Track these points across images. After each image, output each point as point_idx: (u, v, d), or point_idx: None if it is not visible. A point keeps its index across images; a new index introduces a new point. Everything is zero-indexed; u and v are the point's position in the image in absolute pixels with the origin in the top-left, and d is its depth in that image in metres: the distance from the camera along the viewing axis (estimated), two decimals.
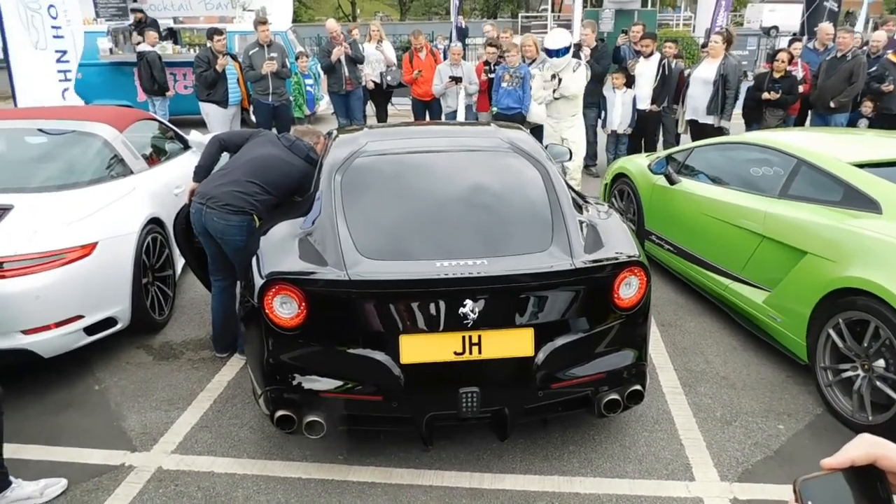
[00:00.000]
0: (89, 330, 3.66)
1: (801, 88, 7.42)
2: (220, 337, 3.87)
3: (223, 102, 7.75)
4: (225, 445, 3.10)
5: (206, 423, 3.28)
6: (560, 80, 6.49)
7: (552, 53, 6.47)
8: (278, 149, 3.67)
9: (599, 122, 8.30)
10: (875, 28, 12.47)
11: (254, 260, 2.84)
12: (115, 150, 4.46)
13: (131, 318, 3.95)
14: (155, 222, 4.29)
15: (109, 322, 3.79)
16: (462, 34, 10.81)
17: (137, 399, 3.52)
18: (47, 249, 3.40)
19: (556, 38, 6.52)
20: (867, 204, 3.42)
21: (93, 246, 3.62)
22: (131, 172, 4.45)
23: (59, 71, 7.21)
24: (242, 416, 3.34)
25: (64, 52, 7.16)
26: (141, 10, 11.55)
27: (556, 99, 6.54)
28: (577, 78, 6.57)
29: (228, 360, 3.88)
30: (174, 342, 4.15)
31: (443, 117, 8.12)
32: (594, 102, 7.99)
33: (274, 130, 7.21)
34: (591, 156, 8.37)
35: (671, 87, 7.69)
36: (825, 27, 8.47)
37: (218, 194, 3.47)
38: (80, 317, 3.57)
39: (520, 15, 32.96)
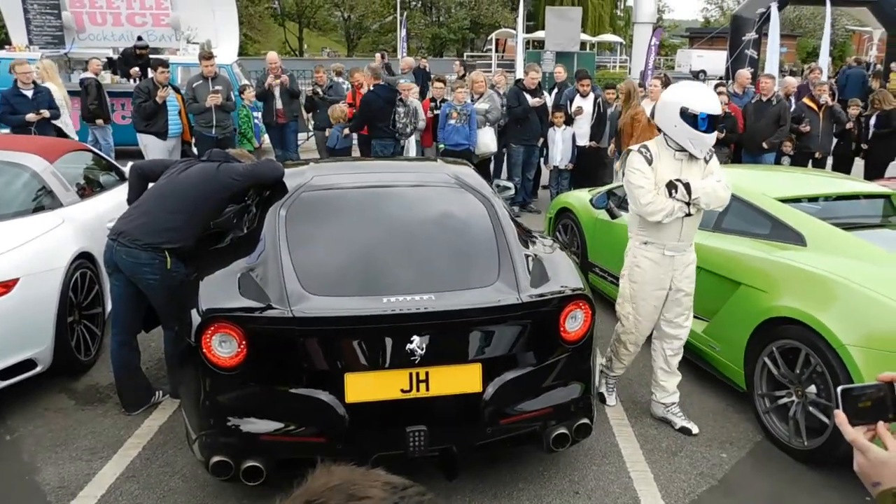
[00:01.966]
0: (3, 374, 3.40)
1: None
2: (124, 394, 3.57)
3: (162, 134, 7.56)
4: (153, 497, 2.90)
5: (133, 473, 3.06)
6: (689, 184, 3.15)
7: (711, 122, 3.13)
8: (199, 170, 3.39)
9: (542, 159, 8.51)
10: (790, 74, 13.57)
11: (197, 296, 2.70)
12: (44, 182, 4.23)
13: (53, 359, 3.69)
14: (85, 257, 4.07)
15: (27, 365, 3.53)
16: (423, 76, 10.76)
17: (55, 449, 3.26)
18: None
19: (703, 95, 3.18)
20: (793, 237, 3.60)
21: (13, 282, 3.40)
22: (61, 205, 4.22)
23: None
24: (174, 463, 3.13)
25: None
26: (146, 47, 11.08)
27: (689, 215, 3.19)
28: (719, 171, 3.31)
29: (160, 403, 3.67)
30: (101, 385, 3.89)
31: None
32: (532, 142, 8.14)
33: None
34: (528, 192, 8.54)
35: (606, 123, 8.01)
36: (743, 73, 9.14)
37: (128, 229, 3.29)
38: None
39: (465, 54, 33.76)
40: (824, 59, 13.77)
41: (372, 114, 7.34)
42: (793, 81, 9.03)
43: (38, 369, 3.61)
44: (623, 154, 3.46)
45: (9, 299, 3.35)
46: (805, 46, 42.30)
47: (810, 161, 8.19)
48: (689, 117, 3.13)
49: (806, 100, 8.31)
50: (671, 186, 3.18)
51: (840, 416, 1.05)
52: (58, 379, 3.86)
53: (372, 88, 7.60)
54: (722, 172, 3.32)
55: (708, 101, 3.17)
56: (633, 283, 3.41)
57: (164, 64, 7.66)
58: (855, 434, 1.04)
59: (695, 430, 3.44)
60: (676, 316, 3.43)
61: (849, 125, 8.05)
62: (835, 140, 8.15)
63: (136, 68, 10.25)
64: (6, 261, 3.45)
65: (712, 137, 3.24)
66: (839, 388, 1.08)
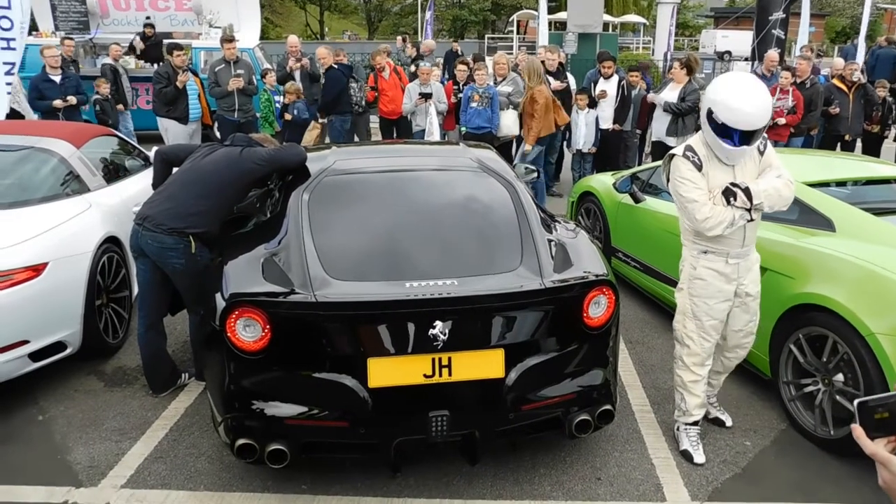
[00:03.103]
0: (35, 356, 3.47)
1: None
2: (152, 377, 3.63)
3: (183, 119, 7.62)
4: (180, 477, 2.95)
5: (161, 454, 3.12)
6: (748, 188, 2.81)
7: (746, 137, 2.76)
8: (223, 155, 3.41)
9: (564, 142, 8.42)
10: (818, 55, 13.22)
11: (221, 281, 2.72)
12: (71, 167, 4.29)
13: (82, 342, 3.76)
14: (112, 241, 4.13)
15: (58, 347, 3.60)
16: (454, 59, 10.70)
17: (85, 429, 3.33)
18: None
19: (740, 104, 2.72)
20: (821, 222, 3.51)
21: (43, 266, 3.46)
22: (88, 190, 4.29)
23: (8, 83, 6.96)
24: (200, 445, 3.19)
25: (12, 65, 6.90)
26: (152, 26, 11.31)
27: (751, 220, 2.86)
28: (777, 162, 2.95)
29: (186, 385, 3.73)
30: (128, 367, 3.97)
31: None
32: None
33: None
34: (551, 176, 8.45)
35: (630, 107, 7.88)
36: (771, 54, 8.84)
37: (153, 214, 3.33)
38: (26, 342, 3.39)
39: (486, 36, 33.42)
40: (861, 44, 13.35)
41: (338, 90, 7.97)
42: (840, 62, 8.74)
43: (67, 351, 3.69)
44: (665, 159, 3.00)
45: (38, 283, 3.42)
46: (834, 26, 41.19)
47: (839, 144, 8.01)
48: (715, 124, 2.75)
49: (836, 80, 8.10)
50: (729, 193, 2.78)
51: (857, 430, 1.02)
52: (87, 361, 3.94)
53: (334, 66, 8.00)
54: (781, 165, 2.87)
55: (744, 113, 2.67)
56: (693, 297, 2.99)
57: (179, 47, 7.64)
58: (874, 447, 1.01)
59: (728, 422, 3.34)
60: (745, 324, 3.07)
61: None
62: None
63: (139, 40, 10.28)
64: (35, 245, 3.51)
65: (745, 151, 2.78)
66: (855, 402, 1.04)
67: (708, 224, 2.81)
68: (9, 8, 6.69)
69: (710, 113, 2.78)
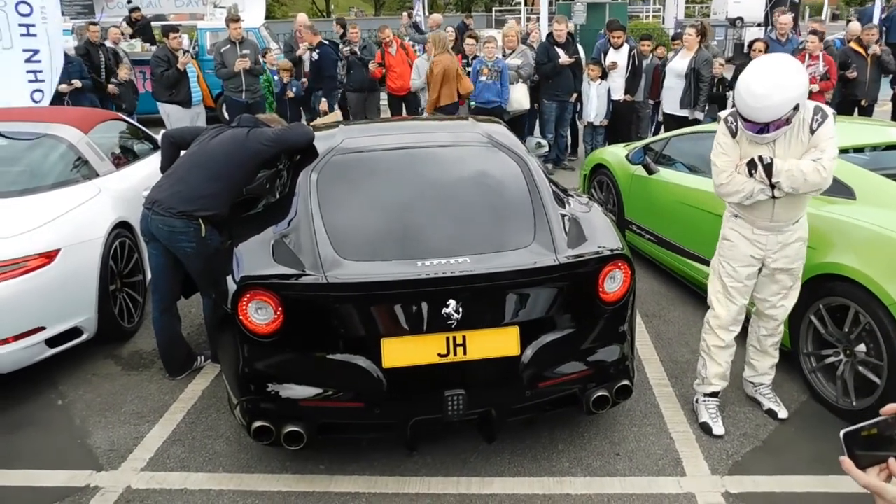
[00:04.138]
0: (52, 342, 3.49)
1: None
2: (168, 360, 3.65)
3: (186, 102, 7.54)
4: (199, 460, 2.97)
5: (179, 437, 3.14)
6: (771, 163, 2.73)
7: (761, 128, 2.70)
8: (230, 136, 3.37)
9: (576, 114, 8.30)
10: (832, 19, 12.88)
11: (232, 264, 2.71)
12: (80, 153, 4.28)
13: (98, 327, 3.78)
14: (123, 226, 4.12)
15: (74, 333, 3.62)
16: (462, 29, 10.55)
17: (104, 413, 3.36)
18: (4, 258, 3.23)
19: (755, 96, 2.63)
20: (842, 190, 3.42)
21: (55, 253, 3.46)
22: (97, 175, 4.27)
23: (29, 71, 6.89)
24: (218, 427, 3.20)
25: (35, 52, 6.83)
26: (138, 9, 11.29)
27: (775, 197, 2.79)
28: (826, 145, 2.75)
29: (202, 368, 3.74)
30: (144, 351, 3.99)
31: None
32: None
33: None
34: (563, 149, 8.34)
35: (641, 77, 7.72)
36: (784, 19, 8.56)
37: (162, 198, 3.30)
38: (42, 328, 3.40)
39: (493, 9, 32.91)
40: (877, 7, 12.98)
41: (327, 68, 8.22)
42: (857, 27, 8.45)
43: (84, 337, 3.71)
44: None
45: (51, 269, 3.42)
46: None
47: (856, 109, 7.82)
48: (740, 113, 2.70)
49: (853, 44, 7.88)
50: (751, 165, 2.74)
51: (846, 463, 0.98)
52: (103, 346, 3.96)
53: (324, 42, 8.23)
54: (832, 148, 2.71)
55: (750, 108, 2.62)
56: (721, 257, 3.03)
57: (175, 29, 7.58)
58: (867, 478, 0.97)
59: (782, 414, 3.15)
60: (772, 294, 3.02)
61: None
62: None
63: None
64: (47, 232, 3.51)
65: (769, 136, 2.70)
66: (841, 433, 1.00)
67: (723, 190, 2.86)
68: None
69: (735, 102, 2.75)
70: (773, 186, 2.73)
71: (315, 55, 8.09)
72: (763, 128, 2.68)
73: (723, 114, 2.96)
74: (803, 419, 3.17)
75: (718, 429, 3.07)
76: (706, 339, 3.14)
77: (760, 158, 2.74)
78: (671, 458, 2.92)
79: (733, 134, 2.82)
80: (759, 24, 14.14)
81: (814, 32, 7.37)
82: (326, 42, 8.28)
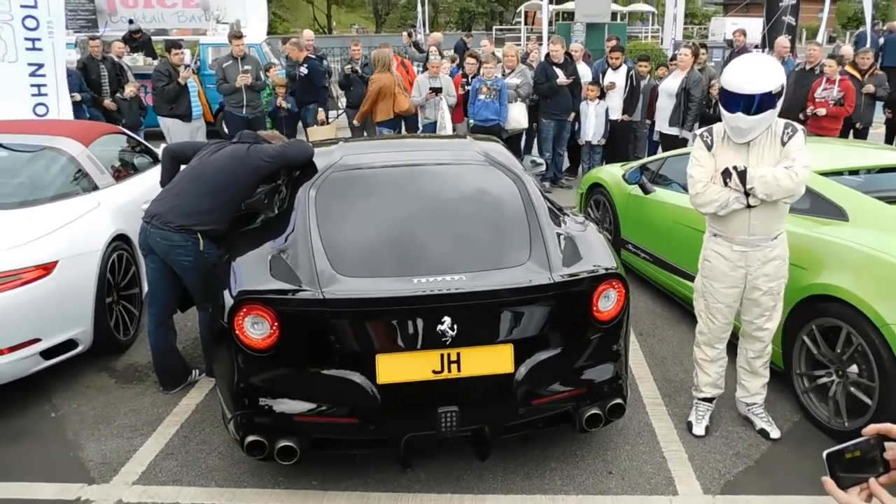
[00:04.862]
0: (46, 354, 3.49)
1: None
2: (162, 374, 3.65)
3: (186, 116, 7.60)
4: (192, 474, 2.96)
5: (172, 451, 3.13)
6: (745, 171, 2.82)
7: (746, 103, 2.75)
8: (230, 152, 3.41)
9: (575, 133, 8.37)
10: (829, 40, 13.05)
11: (229, 278, 2.73)
12: (80, 165, 4.31)
13: (93, 339, 3.79)
14: (121, 239, 4.14)
15: (69, 345, 3.63)
16: (463, 51, 10.65)
17: (97, 426, 3.35)
18: (3, 269, 3.24)
19: (742, 69, 2.80)
20: (834, 211, 3.46)
21: (53, 265, 3.48)
22: (96, 188, 4.30)
23: (33, 85, 6.94)
24: (211, 441, 3.20)
25: (40, 66, 6.89)
26: (139, 30, 11.42)
27: (750, 206, 2.86)
28: (797, 155, 2.81)
29: (196, 382, 3.74)
30: (139, 364, 3.99)
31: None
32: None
33: None
34: (560, 168, 8.39)
35: (639, 97, 7.82)
36: (782, 41, 8.69)
37: (161, 212, 3.33)
38: (37, 340, 3.41)
39: (494, 28, 33.26)
40: (868, 32, 13.14)
41: (318, 80, 8.47)
42: (849, 51, 8.55)
43: (79, 349, 3.71)
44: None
45: (49, 281, 3.43)
46: (845, 11, 40.61)
47: (851, 132, 7.90)
48: (722, 94, 2.85)
49: (848, 67, 7.98)
50: (726, 174, 2.85)
51: (829, 483, 1.01)
52: (98, 358, 3.96)
53: (312, 57, 8.46)
54: (802, 157, 2.78)
55: (740, 75, 2.76)
56: (703, 277, 3.13)
57: (178, 45, 7.68)
58: (848, 498, 0.99)
59: (774, 434, 3.17)
60: (756, 317, 3.07)
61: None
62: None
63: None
64: (45, 244, 3.52)
65: (739, 119, 2.77)
66: (824, 454, 1.03)
67: (699, 200, 2.95)
68: (35, 7, 6.61)
69: (720, 88, 2.90)
70: (747, 195, 2.82)
71: (304, 70, 8.18)
72: (749, 104, 2.73)
73: (698, 131, 3.09)
74: (796, 439, 3.18)
75: (699, 430, 3.22)
76: (695, 351, 3.29)
77: (735, 167, 2.84)
78: (663, 476, 2.92)
79: (709, 147, 2.96)
80: (756, 46, 14.33)
81: (832, 56, 7.31)
82: (313, 56, 8.57)
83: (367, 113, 7.53)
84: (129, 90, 8.14)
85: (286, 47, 8.80)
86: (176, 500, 2.78)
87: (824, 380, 3.22)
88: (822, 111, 6.93)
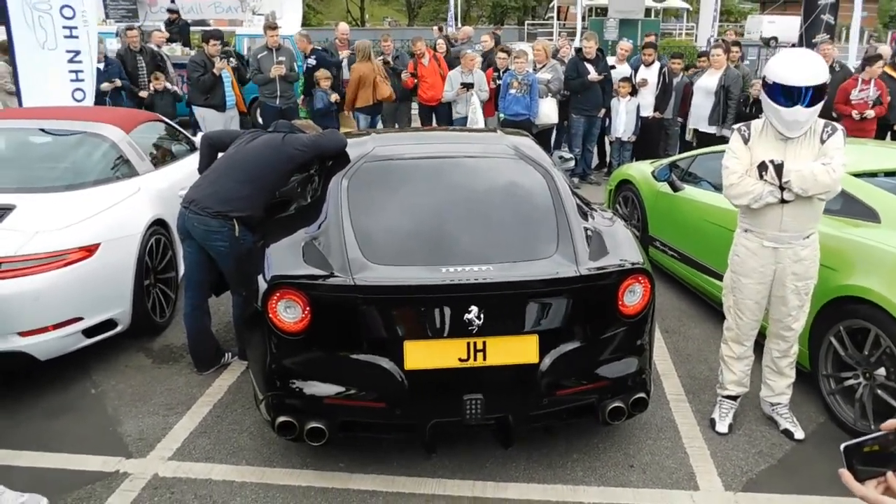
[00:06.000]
0: (88, 332, 3.63)
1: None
2: (197, 355, 3.76)
3: (221, 106, 7.75)
4: (223, 452, 3.07)
5: (205, 429, 3.25)
6: (781, 164, 2.82)
7: (802, 95, 2.73)
8: (265, 141, 3.50)
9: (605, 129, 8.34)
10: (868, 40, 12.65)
11: (263, 263, 2.81)
12: (121, 151, 4.45)
13: (132, 320, 3.93)
14: (159, 224, 4.28)
15: (109, 324, 3.77)
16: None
17: (135, 404, 3.49)
18: (48, 250, 3.38)
19: (789, 62, 2.81)
20: (866, 213, 3.43)
21: (95, 247, 3.61)
22: (136, 174, 4.44)
23: (71, 71, 7.17)
24: (242, 421, 3.31)
25: (77, 53, 7.12)
26: (176, 11, 11.66)
27: (784, 201, 2.86)
28: (835, 153, 2.82)
29: (229, 364, 3.85)
30: (175, 345, 4.12)
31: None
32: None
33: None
34: (589, 164, 8.37)
35: (671, 94, 7.75)
36: (825, 48, 8.42)
37: (199, 197, 3.44)
38: (80, 319, 3.55)
39: (526, 22, 33.09)
40: None
41: (328, 69, 8.40)
42: (888, 51, 8.33)
43: (118, 329, 3.85)
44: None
45: (91, 263, 3.57)
46: (887, 10, 39.49)
47: (889, 133, 7.73)
48: (768, 87, 2.82)
49: (887, 68, 7.79)
50: (762, 168, 2.86)
51: (845, 475, 1.01)
52: (136, 339, 4.10)
53: (318, 48, 8.63)
54: (840, 156, 2.80)
55: (792, 68, 2.75)
56: (732, 272, 3.12)
57: (216, 36, 7.79)
58: (864, 490, 1.00)
59: (799, 434, 3.15)
60: (783, 316, 3.06)
61: None
62: None
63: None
64: (89, 227, 3.66)
65: (798, 113, 2.75)
66: (841, 446, 1.03)
67: (732, 191, 2.95)
68: None
69: (763, 79, 2.87)
70: (782, 189, 2.82)
71: (312, 60, 8.28)
72: (805, 96, 2.72)
73: (735, 126, 3.09)
74: (820, 440, 3.17)
75: (722, 427, 3.23)
76: (722, 348, 3.30)
77: (772, 161, 2.85)
78: (685, 472, 2.94)
79: (745, 140, 2.96)
80: (793, 45, 14.02)
81: (869, 58, 7.24)
82: (319, 48, 8.76)
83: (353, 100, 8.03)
84: (156, 84, 8.24)
85: (296, 38, 8.91)
86: (209, 477, 2.89)
87: (851, 382, 3.20)
88: (870, 113, 6.81)
